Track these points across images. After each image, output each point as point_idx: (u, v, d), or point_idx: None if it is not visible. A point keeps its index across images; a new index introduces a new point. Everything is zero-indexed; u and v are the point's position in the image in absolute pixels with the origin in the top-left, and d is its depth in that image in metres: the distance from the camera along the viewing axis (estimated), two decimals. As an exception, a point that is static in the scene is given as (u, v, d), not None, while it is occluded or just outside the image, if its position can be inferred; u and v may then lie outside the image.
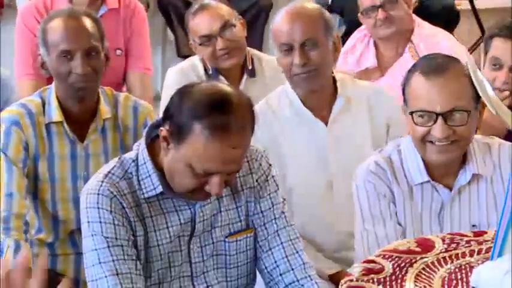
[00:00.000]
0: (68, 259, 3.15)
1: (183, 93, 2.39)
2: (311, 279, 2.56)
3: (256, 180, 2.57)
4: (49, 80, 3.32)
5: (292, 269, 2.57)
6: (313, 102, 3.21)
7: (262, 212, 2.58)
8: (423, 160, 2.73)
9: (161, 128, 2.39)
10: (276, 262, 2.58)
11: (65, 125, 3.08)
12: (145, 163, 2.46)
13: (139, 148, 2.49)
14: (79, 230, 3.07)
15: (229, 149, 2.32)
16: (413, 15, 4.17)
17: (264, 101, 3.28)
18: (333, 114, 3.21)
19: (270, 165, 2.60)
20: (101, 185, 2.44)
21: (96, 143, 3.13)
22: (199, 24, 3.84)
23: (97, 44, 3.06)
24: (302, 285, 2.55)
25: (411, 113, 2.66)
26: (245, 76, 3.88)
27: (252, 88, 3.82)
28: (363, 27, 4.16)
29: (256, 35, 5.21)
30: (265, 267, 2.60)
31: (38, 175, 3.09)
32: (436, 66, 2.66)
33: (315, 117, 3.21)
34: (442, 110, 2.60)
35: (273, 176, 2.60)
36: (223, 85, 2.44)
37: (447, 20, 4.98)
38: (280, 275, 2.58)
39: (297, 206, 3.16)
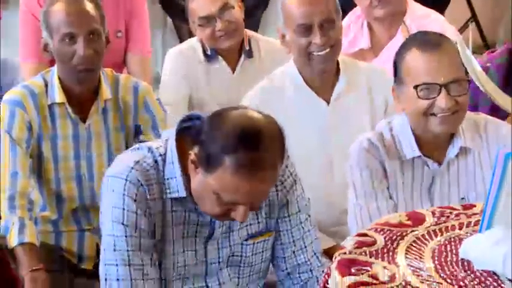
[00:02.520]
0: (71, 235, 3.15)
1: (214, 120, 2.30)
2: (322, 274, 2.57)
3: (282, 183, 2.52)
4: (51, 63, 3.32)
5: (311, 270, 2.58)
6: (317, 83, 3.24)
7: (289, 216, 2.55)
8: (415, 136, 2.75)
9: (190, 152, 2.31)
10: (298, 264, 2.58)
11: (67, 106, 3.08)
12: (173, 163, 2.39)
13: (168, 144, 2.41)
14: (82, 207, 3.12)
15: (258, 184, 2.27)
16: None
17: (268, 81, 3.30)
18: (334, 94, 3.24)
19: (294, 167, 2.56)
20: (131, 171, 2.37)
21: (98, 124, 3.13)
22: (199, 5, 3.82)
23: (98, 27, 3.05)
24: (318, 279, 2.54)
25: (415, 87, 2.66)
26: (243, 57, 3.87)
27: (249, 68, 3.84)
28: (356, 9, 4.15)
29: (254, 21, 5.20)
30: (286, 268, 2.58)
31: (42, 155, 3.09)
32: (432, 40, 2.69)
33: (318, 97, 3.23)
34: (445, 81, 2.63)
35: (299, 179, 2.56)
36: (255, 114, 2.32)
37: (438, 1, 4.98)
38: (299, 273, 2.58)
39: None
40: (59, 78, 3.09)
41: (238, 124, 2.26)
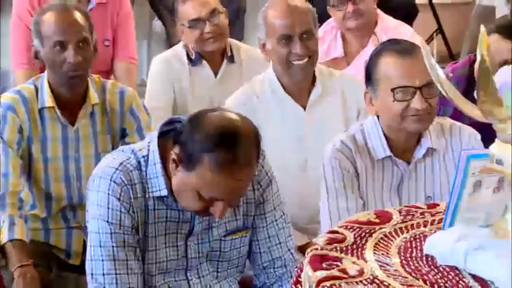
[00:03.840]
0: (59, 233, 3.13)
1: (194, 121, 2.32)
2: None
3: (259, 182, 2.53)
4: (42, 69, 3.31)
5: (285, 265, 2.59)
6: (294, 89, 3.26)
7: (265, 213, 2.56)
8: (385, 137, 2.76)
9: (171, 152, 2.33)
10: (273, 260, 2.59)
11: (57, 110, 3.07)
12: (155, 164, 2.40)
13: (151, 147, 2.42)
14: (70, 206, 3.11)
15: (236, 181, 2.29)
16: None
17: (249, 86, 3.31)
18: (310, 100, 3.26)
19: (271, 167, 2.57)
20: (115, 172, 2.39)
21: (86, 127, 3.12)
22: (190, 9, 3.83)
23: (87, 36, 3.05)
24: (292, 274, 2.53)
25: (392, 90, 2.67)
26: (225, 61, 3.88)
27: (231, 73, 3.86)
28: (330, 20, 4.16)
29: (235, 30, 5.22)
30: (262, 263, 2.59)
31: (32, 156, 3.07)
32: (405, 47, 2.70)
33: (295, 103, 3.23)
34: (420, 84, 2.64)
35: (274, 178, 2.57)
36: (232, 115, 2.34)
37: (407, 13, 4.99)
38: (274, 268, 2.59)
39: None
40: (49, 84, 3.07)
41: (216, 124, 2.29)
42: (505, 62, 2.97)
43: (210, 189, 2.29)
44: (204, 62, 3.86)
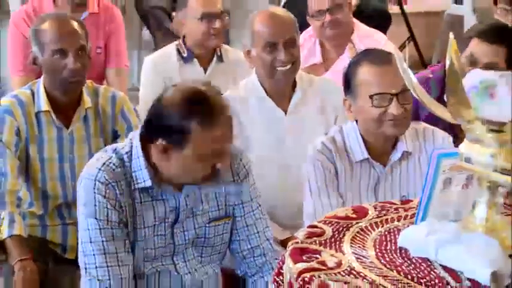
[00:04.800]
0: (56, 229, 3.12)
1: (158, 108, 2.37)
2: (276, 260, 2.58)
3: (238, 174, 2.56)
4: (38, 75, 3.30)
5: (264, 254, 2.60)
6: (276, 94, 3.25)
7: (243, 203, 2.58)
8: (364, 140, 2.77)
9: (156, 144, 2.35)
10: (252, 248, 2.60)
11: (52, 114, 3.06)
12: (138, 158, 2.42)
13: (133, 143, 2.45)
14: (66, 203, 3.10)
15: (224, 127, 2.35)
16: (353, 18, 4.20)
17: (234, 90, 3.31)
18: (291, 104, 3.25)
19: (249, 161, 2.60)
20: (99, 172, 2.41)
21: (80, 129, 3.11)
22: (205, 2, 3.89)
23: (84, 44, 3.06)
24: (271, 264, 2.57)
25: (370, 97, 2.68)
26: (214, 60, 3.92)
27: (219, 71, 3.93)
28: (309, 28, 4.17)
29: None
30: (241, 251, 2.60)
31: (29, 157, 3.07)
32: (381, 56, 2.71)
33: (277, 107, 3.24)
34: (396, 91, 2.65)
35: (251, 171, 2.59)
36: (183, 83, 2.45)
37: (381, 22, 5.00)
38: (254, 257, 2.60)
39: (257, 183, 3.16)
40: (45, 89, 3.07)
41: (180, 94, 2.35)
42: (486, 66, 2.98)
43: (210, 145, 2.33)
44: (195, 60, 3.93)
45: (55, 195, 3.10)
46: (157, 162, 2.40)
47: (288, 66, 3.20)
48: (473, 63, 3.08)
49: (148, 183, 2.42)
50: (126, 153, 2.44)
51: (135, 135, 2.47)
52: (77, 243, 2.46)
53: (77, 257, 2.51)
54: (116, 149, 2.47)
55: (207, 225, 2.53)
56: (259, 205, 2.61)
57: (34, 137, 3.06)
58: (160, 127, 2.35)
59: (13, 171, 2.99)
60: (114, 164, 2.43)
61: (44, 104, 3.06)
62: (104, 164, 2.43)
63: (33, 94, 3.08)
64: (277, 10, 3.34)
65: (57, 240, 3.12)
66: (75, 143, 3.10)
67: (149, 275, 2.51)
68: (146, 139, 2.42)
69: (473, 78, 1.90)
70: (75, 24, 3.06)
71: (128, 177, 2.43)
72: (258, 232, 2.59)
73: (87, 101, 3.10)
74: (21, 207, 3.02)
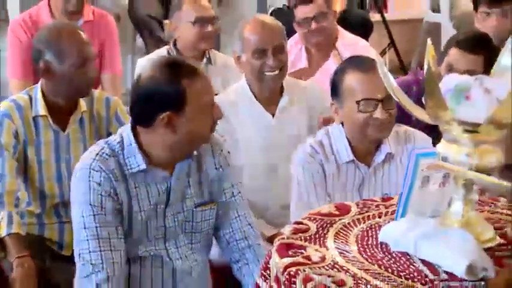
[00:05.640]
0: (53, 227, 3.11)
1: (140, 86, 2.42)
2: (259, 246, 2.62)
3: (219, 163, 2.58)
4: (35, 80, 3.29)
5: (246, 237, 2.61)
6: (265, 98, 3.26)
7: (224, 190, 2.60)
8: (349, 143, 2.78)
9: (160, 117, 2.37)
10: (233, 231, 2.61)
11: (49, 117, 3.06)
12: (131, 144, 2.45)
13: (124, 133, 2.48)
14: (62, 203, 3.09)
15: (206, 79, 2.45)
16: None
17: (224, 95, 3.32)
18: (279, 108, 3.26)
19: (229, 152, 2.63)
20: (93, 162, 2.43)
21: (76, 132, 3.11)
22: (200, 7, 3.92)
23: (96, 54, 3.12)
24: (254, 250, 2.59)
25: (357, 102, 2.69)
26: (204, 61, 3.92)
27: (207, 72, 3.85)
28: (295, 35, 4.17)
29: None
30: (224, 235, 2.62)
31: (27, 158, 3.06)
32: (367, 64, 2.71)
33: (265, 111, 3.24)
34: (381, 97, 2.65)
35: (231, 160, 2.62)
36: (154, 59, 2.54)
37: (363, 29, 5.02)
38: (236, 241, 2.61)
39: (246, 183, 3.15)
40: (43, 94, 3.06)
41: (159, 64, 2.42)
42: (464, 73, 2.99)
43: (204, 95, 2.41)
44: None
45: (52, 194, 3.09)
46: (165, 137, 2.41)
47: (276, 72, 3.21)
48: (452, 71, 3.09)
49: (143, 166, 2.44)
50: (118, 143, 2.47)
51: (125, 128, 2.50)
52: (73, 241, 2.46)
53: (72, 254, 2.51)
54: (107, 141, 2.50)
55: (194, 209, 2.55)
56: (240, 192, 2.63)
57: (32, 139, 3.05)
58: (156, 103, 2.38)
59: (11, 172, 2.98)
60: (107, 154, 2.44)
61: (41, 108, 3.05)
62: (98, 154, 2.45)
63: (30, 99, 3.07)
64: (266, 18, 3.36)
65: (54, 238, 3.11)
66: (71, 145, 3.10)
67: (143, 259, 2.52)
68: (143, 125, 2.44)
69: (449, 82, 1.92)
70: (84, 35, 3.07)
71: (122, 165, 2.45)
72: (239, 216, 2.61)
73: (83, 105, 3.10)
74: (20, 206, 3.01)
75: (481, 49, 3.11)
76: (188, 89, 2.37)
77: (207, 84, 2.43)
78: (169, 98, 2.36)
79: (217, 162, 2.58)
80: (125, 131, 2.49)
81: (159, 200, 2.49)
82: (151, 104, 2.39)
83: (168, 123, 2.38)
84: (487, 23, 3.91)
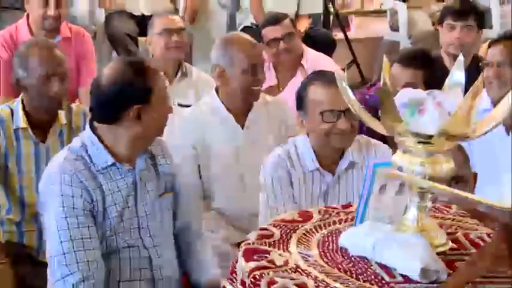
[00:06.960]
0: (32, 234, 3.09)
1: (100, 86, 2.44)
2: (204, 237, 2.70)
3: (167, 157, 2.61)
4: (16, 95, 3.27)
5: (191, 230, 2.67)
6: (235, 110, 3.25)
7: (174, 182, 2.62)
8: (314, 152, 2.78)
9: (128, 112, 2.39)
10: (182, 223, 2.64)
11: (30, 130, 3.04)
12: (94, 144, 2.44)
13: (84, 136, 2.48)
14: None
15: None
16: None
17: (196, 107, 3.32)
18: (248, 120, 3.25)
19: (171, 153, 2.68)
20: (62, 164, 2.40)
21: (55, 144, 3.09)
22: (165, 20, 3.95)
23: (66, 68, 3.09)
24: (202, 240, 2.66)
25: (321, 113, 2.70)
26: (179, 74, 3.91)
27: (183, 84, 3.91)
28: (263, 53, 4.18)
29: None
30: (175, 228, 2.64)
31: (8, 169, 3.04)
32: (330, 77, 2.70)
33: (236, 122, 3.23)
34: (344, 108, 2.64)
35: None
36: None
37: (327, 47, 5.04)
38: (183, 233, 2.65)
39: (217, 191, 3.19)
40: (23, 108, 3.04)
41: (120, 64, 2.47)
42: (405, 86, 3.03)
43: (164, 86, 2.50)
44: (161, 73, 3.90)
45: (32, 203, 3.05)
46: (126, 135, 2.43)
47: (259, 86, 3.23)
48: (395, 83, 3.14)
49: (111, 160, 2.44)
50: (80, 147, 2.45)
51: (84, 133, 2.51)
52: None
53: (51, 259, 2.48)
54: (69, 147, 2.49)
55: (158, 198, 2.56)
56: (187, 186, 2.68)
57: (13, 151, 3.03)
58: (125, 99, 2.39)
59: None
60: (72, 158, 2.43)
61: (21, 121, 3.03)
62: (64, 158, 2.43)
63: (12, 112, 3.05)
64: (248, 36, 3.33)
65: (34, 245, 3.08)
66: (51, 155, 3.06)
67: (121, 250, 2.49)
68: (108, 122, 2.44)
69: (403, 96, 1.93)
70: (58, 51, 3.06)
71: (89, 164, 2.43)
72: (188, 209, 2.65)
73: (62, 118, 3.09)
74: (0, 214, 2.98)
75: (419, 64, 3.16)
76: (152, 80, 2.42)
77: (162, 76, 2.50)
78: (138, 92, 2.39)
79: (165, 155, 2.61)
80: (85, 134, 2.49)
81: (128, 192, 2.48)
82: (119, 100, 2.40)
83: (138, 116, 2.40)
84: (451, 35, 3.95)
